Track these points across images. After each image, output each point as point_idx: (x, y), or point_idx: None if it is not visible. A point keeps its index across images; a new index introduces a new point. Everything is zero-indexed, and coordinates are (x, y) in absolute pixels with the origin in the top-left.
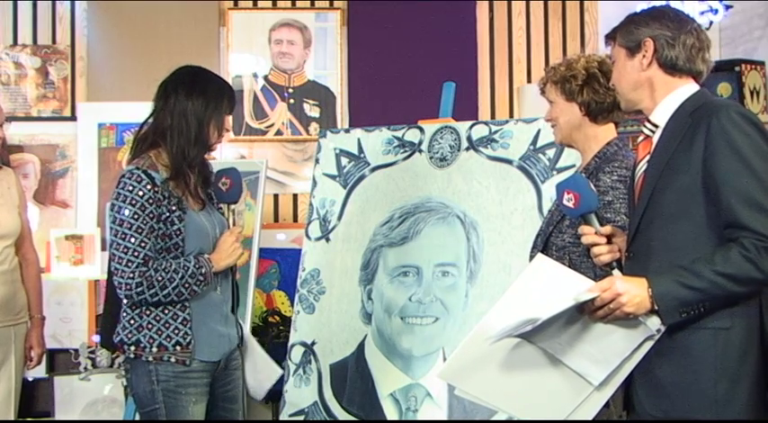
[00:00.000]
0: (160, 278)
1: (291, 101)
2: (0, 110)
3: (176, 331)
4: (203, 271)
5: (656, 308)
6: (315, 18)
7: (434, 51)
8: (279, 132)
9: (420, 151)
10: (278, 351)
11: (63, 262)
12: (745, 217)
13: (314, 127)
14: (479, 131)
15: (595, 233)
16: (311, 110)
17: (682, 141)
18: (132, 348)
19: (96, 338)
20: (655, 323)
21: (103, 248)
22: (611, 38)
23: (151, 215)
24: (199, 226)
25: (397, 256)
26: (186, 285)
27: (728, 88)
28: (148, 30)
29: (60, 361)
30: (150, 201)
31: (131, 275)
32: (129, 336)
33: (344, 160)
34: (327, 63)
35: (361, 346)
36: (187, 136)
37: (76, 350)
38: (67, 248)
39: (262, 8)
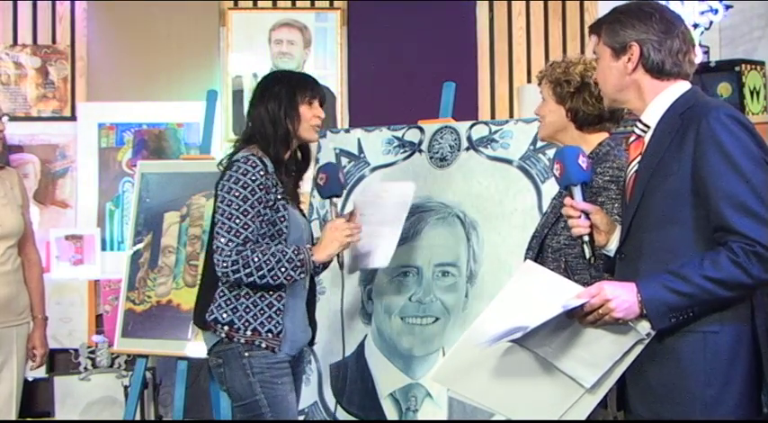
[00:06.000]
0: (256, 259)
1: None
2: None
3: (269, 319)
4: (301, 257)
5: (646, 313)
6: (315, 18)
7: (434, 51)
8: None
9: (420, 151)
10: None
11: (63, 262)
12: (734, 221)
13: None
14: (479, 131)
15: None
16: None
17: (672, 143)
18: (226, 328)
19: (96, 338)
20: (644, 327)
21: (103, 248)
22: (595, 32)
23: (260, 200)
24: (297, 219)
25: (397, 256)
26: (283, 269)
27: (728, 88)
28: (148, 30)
29: (60, 361)
30: (261, 186)
31: (229, 254)
32: (225, 316)
33: (344, 160)
34: (327, 63)
35: (361, 346)
36: (268, 139)
37: (76, 350)
38: (67, 248)
39: (262, 8)
